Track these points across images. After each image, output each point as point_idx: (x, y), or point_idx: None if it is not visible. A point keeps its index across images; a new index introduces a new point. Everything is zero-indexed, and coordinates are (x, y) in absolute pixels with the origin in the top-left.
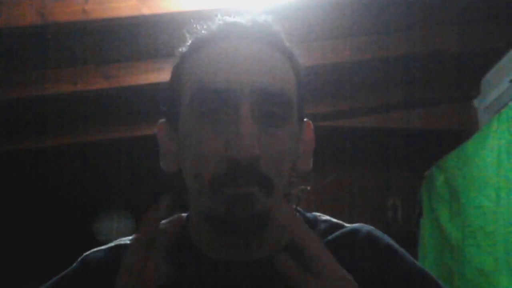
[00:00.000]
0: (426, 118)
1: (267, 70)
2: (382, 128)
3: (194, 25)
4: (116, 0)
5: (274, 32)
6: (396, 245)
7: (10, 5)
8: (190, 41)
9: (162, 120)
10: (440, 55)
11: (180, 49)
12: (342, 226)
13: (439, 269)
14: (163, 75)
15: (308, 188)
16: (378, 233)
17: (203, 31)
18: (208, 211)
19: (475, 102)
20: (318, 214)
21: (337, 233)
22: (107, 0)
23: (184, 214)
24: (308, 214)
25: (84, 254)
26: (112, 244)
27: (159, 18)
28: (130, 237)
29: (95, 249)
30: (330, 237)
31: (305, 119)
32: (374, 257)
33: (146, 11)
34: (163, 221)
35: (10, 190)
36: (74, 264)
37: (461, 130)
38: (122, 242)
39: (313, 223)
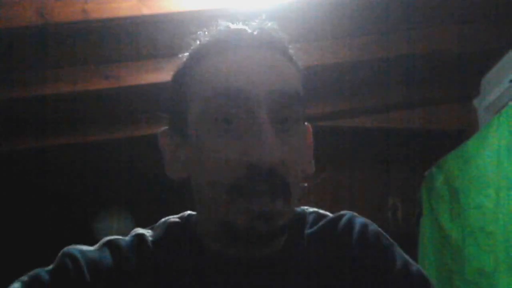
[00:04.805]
0: (426, 118)
1: (280, 76)
2: (382, 128)
3: (197, 31)
4: (116, 0)
5: (280, 39)
6: (372, 228)
7: (10, 5)
8: (194, 48)
9: (164, 128)
10: (440, 55)
11: (184, 56)
12: (327, 216)
13: (439, 269)
14: (163, 75)
15: (305, 185)
16: (358, 218)
17: (208, 39)
18: (226, 220)
19: (475, 102)
20: (305, 207)
21: (321, 223)
22: (107, 0)
23: (192, 212)
24: (296, 209)
25: (107, 239)
26: (133, 233)
27: (159, 18)
28: (147, 230)
29: (117, 236)
30: (314, 228)
31: (305, 123)
32: (350, 243)
33: (146, 11)
34: (173, 217)
35: (10, 190)
36: (99, 247)
37: (461, 130)
38: (141, 232)
39: (301, 216)
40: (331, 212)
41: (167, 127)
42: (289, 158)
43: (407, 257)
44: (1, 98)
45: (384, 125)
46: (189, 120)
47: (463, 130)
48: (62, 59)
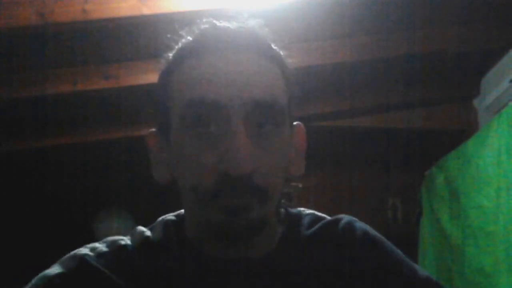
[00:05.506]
0: (426, 118)
1: (258, 82)
2: (382, 128)
3: (180, 30)
4: (116, 0)
5: (262, 39)
6: (374, 233)
7: (10, 5)
8: (178, 48)
9: (152, 129)
10: (440, 55)
11: (166, 56)
12: (325, 219)
13: (439, 269)
14: None
15: (300, 185)
16: (358, 223)
17: (190, 38)
18: (206, 220)
19: (475, 102)
20: (302, 209)
21: (319, 224)
22: (107, 0)
23: (181, 211)
24: (292, 210)
25: (110, 239)
26: (133, 233)
27: (159, 18)
28: (147, 229)
29: (120, 237)
30: (311, 230)
31: (295, 122)
32: (351, 246)
33: (146, 11)
34: (170, 215)
35: (10, 190)
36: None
37: (461, 130)
38: (143, 232)
39: (297, 218)
40: (331, 213)
41: (154, 129)
42: (266, 163)
43: (413, 263)
44: (1, 98)
45: (384, 125)
46: (171, 122)
47: (463, 130)
48: (62, 59)
